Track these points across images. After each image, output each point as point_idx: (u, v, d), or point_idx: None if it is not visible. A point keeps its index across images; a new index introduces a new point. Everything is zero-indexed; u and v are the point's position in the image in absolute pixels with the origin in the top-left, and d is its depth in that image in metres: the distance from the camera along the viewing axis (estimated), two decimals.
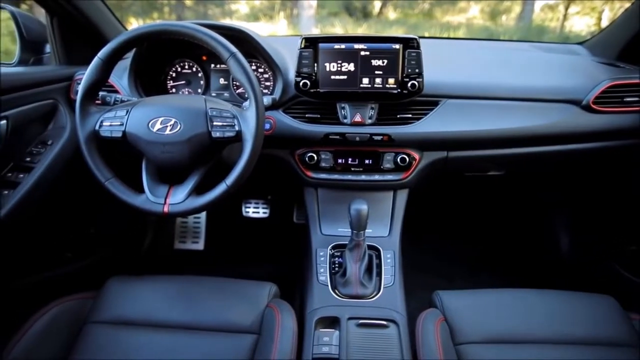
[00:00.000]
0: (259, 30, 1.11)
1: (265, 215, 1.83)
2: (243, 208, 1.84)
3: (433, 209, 1.82)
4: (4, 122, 0.91)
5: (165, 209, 0.84)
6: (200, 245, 1.83)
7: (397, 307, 0.96)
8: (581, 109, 1.09)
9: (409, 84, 1.00)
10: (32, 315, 0.85)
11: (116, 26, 1.23)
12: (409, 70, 1.00)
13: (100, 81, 0.86)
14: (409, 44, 0.99)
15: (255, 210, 1.84)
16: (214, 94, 1.21)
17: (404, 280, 1.04)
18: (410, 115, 1.07)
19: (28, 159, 1.00)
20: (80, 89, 0.85)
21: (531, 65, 1.22)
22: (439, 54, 1.18)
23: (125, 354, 0.82)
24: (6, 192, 0.93)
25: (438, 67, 1.09)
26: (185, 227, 1.85)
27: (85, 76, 0.85)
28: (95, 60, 0.84)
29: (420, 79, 1.00)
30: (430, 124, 1.07)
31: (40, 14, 1.16)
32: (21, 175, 0.97)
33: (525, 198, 1.78)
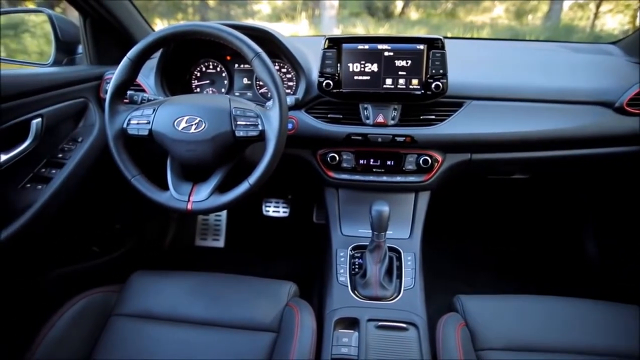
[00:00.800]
0: (281, 30, 1.12)
1: (285, 215, 1.85)
2: (263, 207, 1.86)
3: (455, 211, 1.79)
4: (39, 119, 0.94)
5: (189, 207, 0.85)
6: (220, 243, 1.85)
7: (417, 310, 0.95)
8: (613, 112, 1.05)
9: (433, 85, 0.99)
10: (61, 305, 0.88)
11: (144, 27, 1.26)
12: (433, 71, 0.99)
13: (129, 80, 0.88)
14: (434, 44, 0.98)
15: (275, 210, 1.86)
16: (237, 94, 1.22)
17: (425, 283, 1.03)
18: (433, 117, 1.06)
19: (60, 155, 1.04)
20: (110, 88, 0.87)
21: (559, 66, 1.18)
22: (463, 55, 1.16)
23: (148, 346, 0.84)
24: (40, 186, 0.97)
25: (462, 68, 1.07)
26: (207, 225, 1.88)
27: (114, 76, 0.87)
28: (124, 61, 0.86)
29: (445, 80, 0.99)
30: (454, 126, 1.05)
31: (73, 16, 1.20)
32: (53, 171, 1.00)
33: (550, 202, 1.73)
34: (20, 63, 1.26)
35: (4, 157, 0.87)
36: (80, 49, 1.22)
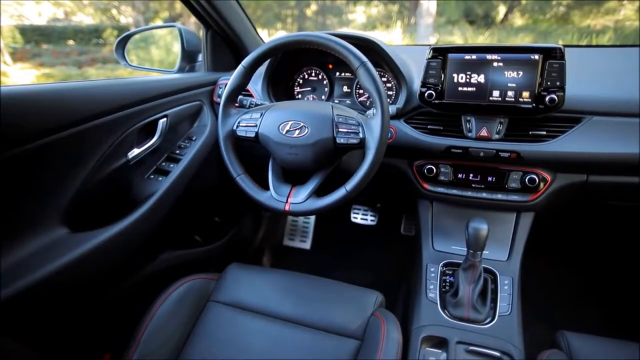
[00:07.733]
0: None
1: (373, 223, 1.84)
2: (351, 214, 1.87)
3: (562, 236, 1.61)
4: (165, 119, 1.07)
5: (287, 207, 0.89)
6: (307, 245, 1.91)
7: (513, 340, 0.88)
8: None
9: (547, 99, 0.90)
10: (167, 286, 0.98)
11: (255, 38, 1.36)
12: (548, 83, 0.90)
13: (242, 86, 0.95)
14: (551, 54, 0.90)
15: (363, 217, 1.86)
16: (336, 101, 1.25)
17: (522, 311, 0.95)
18: (544, 133, 0.97)
19: (177, 151, 1.16)
20: (225, 92, 0.95)
21: None
22: (583, 64, 1.05)
23: (239, 335, 0.90)
24: (160, 178, 1.10)
25: (581, 79, 0.97)
26: (295, 226, 1.96)
27: (229, 82, 0.94)
28: (239, 68, 0.93)
29: (561, 93, 0.89)
30: (569, 143, 0.95)
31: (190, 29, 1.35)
32: (172, 165, 1.13)
33: None
34: (154, 70, 1.44)
35: (137, 151, 1.01)
36: (199, 57, 1.37)
